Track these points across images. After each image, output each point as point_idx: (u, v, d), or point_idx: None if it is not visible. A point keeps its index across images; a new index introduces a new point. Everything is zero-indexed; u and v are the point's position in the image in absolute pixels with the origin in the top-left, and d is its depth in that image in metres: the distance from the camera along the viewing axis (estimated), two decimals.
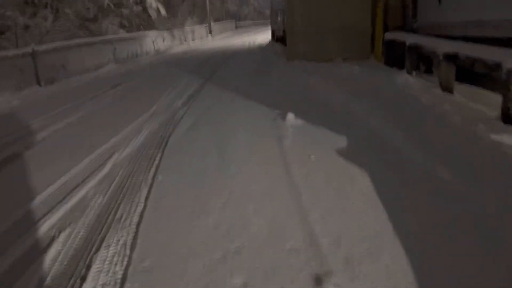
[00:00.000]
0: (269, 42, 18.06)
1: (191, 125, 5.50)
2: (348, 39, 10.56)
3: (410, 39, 7.73)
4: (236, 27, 42.16)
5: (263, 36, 24.91)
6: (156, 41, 20.22)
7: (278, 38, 16.03)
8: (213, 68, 11.73)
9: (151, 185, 3.58)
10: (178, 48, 21.53)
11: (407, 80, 6.15)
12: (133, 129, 5.46)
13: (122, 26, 21.77)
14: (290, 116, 5.41)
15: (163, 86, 8.93)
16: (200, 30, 28.67)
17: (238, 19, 47.43)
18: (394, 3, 10.09)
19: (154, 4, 23.87)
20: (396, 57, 9.13)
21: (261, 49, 16.29)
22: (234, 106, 6.48)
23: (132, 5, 21.79)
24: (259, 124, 5.24)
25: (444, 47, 5.66)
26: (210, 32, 31.16)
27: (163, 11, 24.34)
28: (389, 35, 9.42)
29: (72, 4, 17.59)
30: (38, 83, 10.23)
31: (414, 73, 7.43)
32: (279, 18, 16.52)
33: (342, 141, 4.31)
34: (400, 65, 8.80)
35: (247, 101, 6.74)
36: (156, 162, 4.14)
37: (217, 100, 7.06)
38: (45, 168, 4.19)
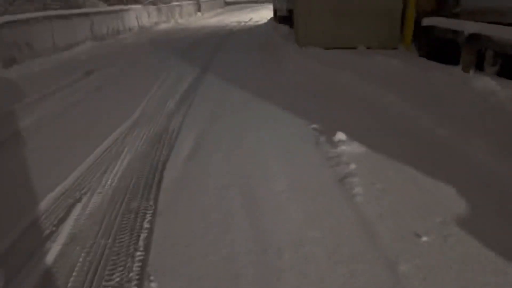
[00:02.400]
0: (269, 22, 16.13)
1: (192, 150, 3.72)
2: (373, 23, 8.81)
3: (469, 26, 6.04)
4: (226, 4, 39.78)
5: (259, 15, 22.91)
6: (140, 17, 18.08)
7: (282, 19, 14.14)
8: (209, 52, 9.86)
9: None
10: (165, 25, 19.43)
11: (489, 86, 4.48)
12: (102, 159, 3.60)
13: None
14: (341, 136, 3.72)
15: (150, 77, 7.08)
16: (188, 6, 26.41)
17: None
18: None
19: None
20: (437, 48, 7.48)
21: (261, 30, 14.39)
22: (249, 114, 4.73)
23: None
24: (297, 154, 3.52)
25: None
26: (199, 9, 28.91)
27: None
28: (427, 21, 7.71)
29: None
30: None
31: (471, 72, 5.80)
32: None
33: (457, 200, 2.62)
34: (443, 59, 7.17)
35: (264, 106, 5.00)
36: (140, 256, 2.29)
37: (222, 103, 5.29)
38: None
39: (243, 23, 18.62)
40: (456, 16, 7.68)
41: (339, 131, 3.80)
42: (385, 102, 4.75)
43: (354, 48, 8.82)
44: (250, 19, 20.52)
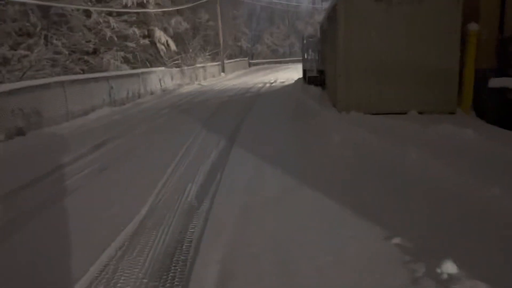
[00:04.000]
0: (297, 84, 15.23)
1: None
2: (425, 84, 7.61)
3: None
4: (249, 66, 39.91)
5: (284, 76, 22.27)
6: (163, 79, 17.56)
7: (311, 79, 13.21)
8: (235, 120, 8.78)
9: None
10: (189, 87, 18.85)
11: None
12: None
13: (126, 61, 19.25)
14: (450, 267, 2.37)
15: (166, 152, 5.94)
16: (212, 68, 26.20)
17: (251, 57, 45.35)
18: (488, 35, 7.20)
19: (163, 38, 21.45)
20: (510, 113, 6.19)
21: (290, 92, 13.41)
22: (295, 217, 3.42)
23: (138, 38, 19.32)
24: None
25: None
26: (223, 70, 28.73)
27: (173, 46, 21.91)
28: (496, 82, 6.47)
29: (68, 35, 15.03)
30: None
31: None
32: (312, 55, 13.81)
33: None
34: None
35: (313, 203, 3.69)
36: None
37: (254, 194, 4.01)
38: None
39: (268, 84, 17.82)
40: None
41: (440, 254, 2.44)
42: (486, 198, 3.38)
43: (403, 113, 7.60)
44: (276, 80, 19.79)
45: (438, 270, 2.39)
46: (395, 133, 5.71)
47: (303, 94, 11.59)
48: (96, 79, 11.39)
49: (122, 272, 2.67)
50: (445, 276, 2.34)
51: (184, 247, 2.96)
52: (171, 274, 2.61)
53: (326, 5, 16.05)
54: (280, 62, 42.65)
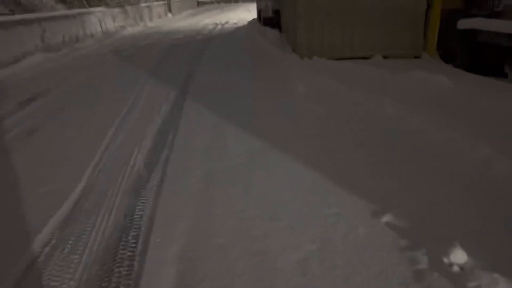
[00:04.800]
0: (252, 25, 14.28)
1: None
2: (391, 26, 7.12)
3: None
4: (198, 5, 37.67)
5: (237, 17, 21.03)
6: (104, 21, 15.91)
7: (267, 21, 12.33)
8: (186, 66, 7.96)
9: None
10: (133, 29, 17.31)
11: None
12: None
13: (61, 0, 17.28)
14: (459, 255, 1.96)
15: (109, 106, 5.16)
16: (158, 7, 24.28)
17: None
18: None
19: None
20: (485, 59, 5.87)
21: (245, 35, 12.49)
22: (264, 185, 2.90)
23: None
24: None
25: None
26: (170, 10, 26.79)
27: None
28: (466, 23, 6.05)
29: None
30: None
31: None
32: None
33: None
34: (494, 73, 5.62)
35: (284, 165, 3.18)
36: None
37: (215, 161, 3.43)
38: None
39: (220, 26, 16.68)
40: (498, 15, 6.05)
41: (444, 239, 2.03)
42: (479, 158, 2.99)
43: (367, 57, 7.11)
44: (228, 21, 18.60)
45: (445, 260, 1.97)
46: (365, 82, 5.22)
47: (260, 37, 10.78)
48: (25, 22, 9.93)
49: (48, 280, 2.06)
50: (454, 265, 1.93)
51: (130, 237, 2.38)
52: (114, 281, 2.03)
53: None
54: (230, 1, 40.57)
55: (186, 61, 8.42)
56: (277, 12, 12.27)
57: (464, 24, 6.06)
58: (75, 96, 5.95)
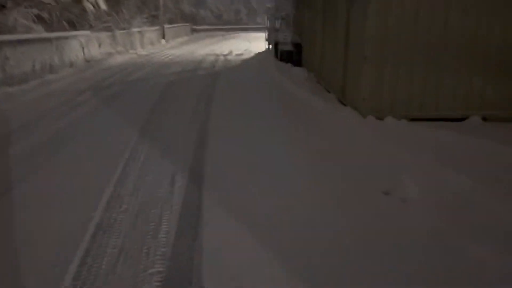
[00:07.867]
0: (263, 59, 12.08)
1: None
2: (495, 74, 4.95)
3: None
4: (192, 32, 35.85)
5: (238, 47, 18.93)
6: (87, 46, 13.61)
7: (285, 55, 10.19)
8: (195, 121, 5.62)
9: None
10: (122, 57, 15.02)
11: None
12: None
13: (40, 20, 14.94)
14: None
15: (69, 205, 2.76)
16: (151, 33, 22.17)
17: (194, 23, 40.98)
18: None
19: None
20: None
21: (259, 72, 10.18)
22: None
23: None
24: None
25: None
26: (164, 36, 24.74)
27: (102, 5, 17.76)
28: None
29: None
30: None
31: None
32: (283, 23, 10.73)
33: None
34: None
35: None
36: None
37: None
38: None
39: (222, 57, 14.47)
40: None
41: None
42: None
43: (458, 119, 4.91)
44: (230, 52, 16.43)
45: None
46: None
47: (279, 75, 8.53)
48: None
49: None
50: None
51: None
52: None
53: None
54: (225, 30, 38.86)
55: (191, 112, 6.07)
56: (297, 46, 10.15)
57: None
58: (18, 177, 3.51)
